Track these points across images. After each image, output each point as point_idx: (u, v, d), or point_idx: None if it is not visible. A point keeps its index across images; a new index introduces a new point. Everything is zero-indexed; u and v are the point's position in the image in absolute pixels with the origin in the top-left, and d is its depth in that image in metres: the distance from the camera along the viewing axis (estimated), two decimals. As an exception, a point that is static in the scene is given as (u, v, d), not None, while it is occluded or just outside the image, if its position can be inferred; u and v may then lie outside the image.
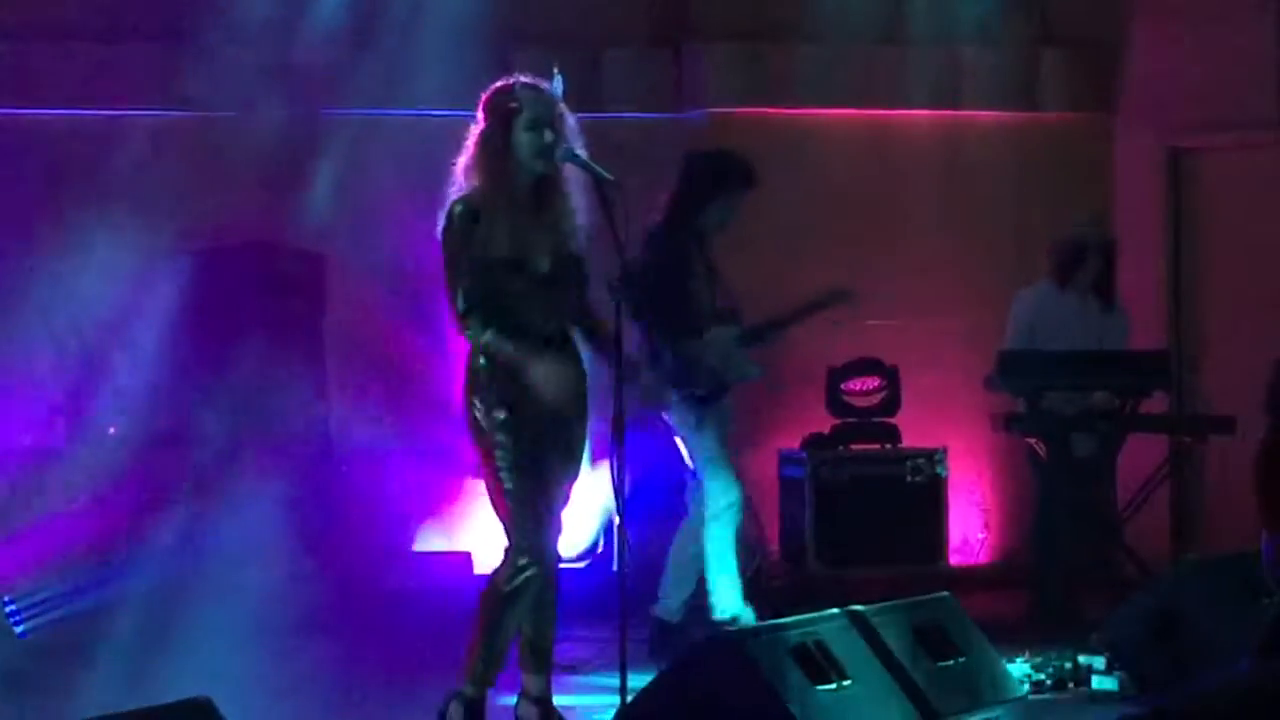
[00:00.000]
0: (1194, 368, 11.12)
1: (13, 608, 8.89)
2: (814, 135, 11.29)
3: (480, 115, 6.99)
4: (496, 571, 6.94)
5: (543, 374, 6.79)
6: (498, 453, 6.85)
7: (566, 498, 7.04)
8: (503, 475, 6.86)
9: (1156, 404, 10.26)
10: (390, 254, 10.26)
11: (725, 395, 9.00)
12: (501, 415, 6.82)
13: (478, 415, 6.86)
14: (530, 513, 6.86)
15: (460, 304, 6.84)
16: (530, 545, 6.86)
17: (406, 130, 10.52)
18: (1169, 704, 1.56)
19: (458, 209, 6.87)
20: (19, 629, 8.88)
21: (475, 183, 6.91)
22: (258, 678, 8.80)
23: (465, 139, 7.00)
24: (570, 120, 7.01)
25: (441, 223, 6.91)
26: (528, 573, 6.86)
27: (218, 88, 10.87)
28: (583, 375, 7.03)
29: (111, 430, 9.79)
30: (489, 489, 6.93)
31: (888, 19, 11.51)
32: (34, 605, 8.97)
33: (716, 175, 8.98)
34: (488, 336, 6.81)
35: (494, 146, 6.91)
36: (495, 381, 6.84)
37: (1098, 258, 9.98)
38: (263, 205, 10.72)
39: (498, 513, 6.92)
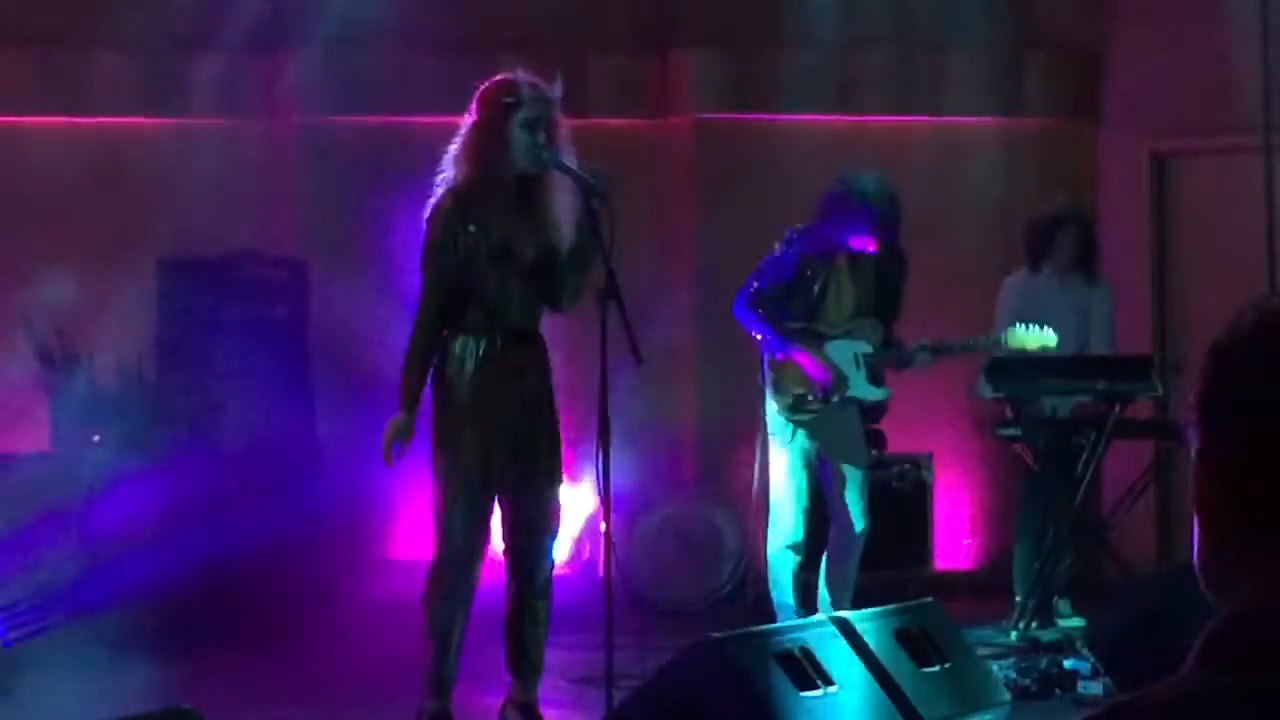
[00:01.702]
0: (1179, 372, 11.12)
1: (-1, 617, 8.87)
2: (798, 141, 11.29)
3: (476, 105, 6.98)
4: (426, 580, 6.95)
5: (478, 384, 6.82)
6: (446, 459, 6.85)
7: (550, 499, 7.03)
8: (445, 479, 6.86)
9: (1141, 409, 10.26)
10: (373, 260, 10.25)
11: (831, 410, 8.77)
12: (459, 427, 6.82)
13: (439, 421, 6.87)
14: (461, 521, 6.85)
15: (424, 292, 6.89)
16: (454, 551, 6.86)
17: (391, 136, 10.52)
18: (1120, 705, 1.58)
19: (445, 203, 6.87)
20: (3, 638, 8.86)
21: (465, 172, 6.91)
22: (242, 686, 8.79)
23: (454, 135, 7.01)
24: (563, 127, 7.02)
25: (428, 212, 6.93)
26: (450, 578, 6.87)
27: (199, 95, 10.87)
28: (547, 372, 7.05)
29: (96, 438, 9.77)
30: (433, 487, 6.93)
31: (872, 25, 11.51)
32: (18, 614, 8.95)
33: (871, 211, 8.80)
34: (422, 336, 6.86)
35: (487, 138, 6.91)
36: (462, 389, 6.84)
37: (1068, 233, 9.99)
38: (245, 213, 10.71)
39: (434, 516, 6.93)
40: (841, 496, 8.78)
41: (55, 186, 10.40)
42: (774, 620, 8.51)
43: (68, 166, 10.49)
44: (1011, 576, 10.09)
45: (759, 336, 8.72)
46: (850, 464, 8.83)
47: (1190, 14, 11.44)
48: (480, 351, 6.86)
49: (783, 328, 8.69)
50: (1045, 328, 9.11)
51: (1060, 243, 9.98)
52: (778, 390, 8.72)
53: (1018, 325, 9.14)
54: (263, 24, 10.88)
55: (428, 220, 6.92)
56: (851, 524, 8.78)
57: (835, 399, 8.76)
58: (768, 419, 8.81)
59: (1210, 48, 11.31)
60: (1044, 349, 9.11)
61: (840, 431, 8.83)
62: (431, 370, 6.93)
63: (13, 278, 10.12)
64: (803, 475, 8.74)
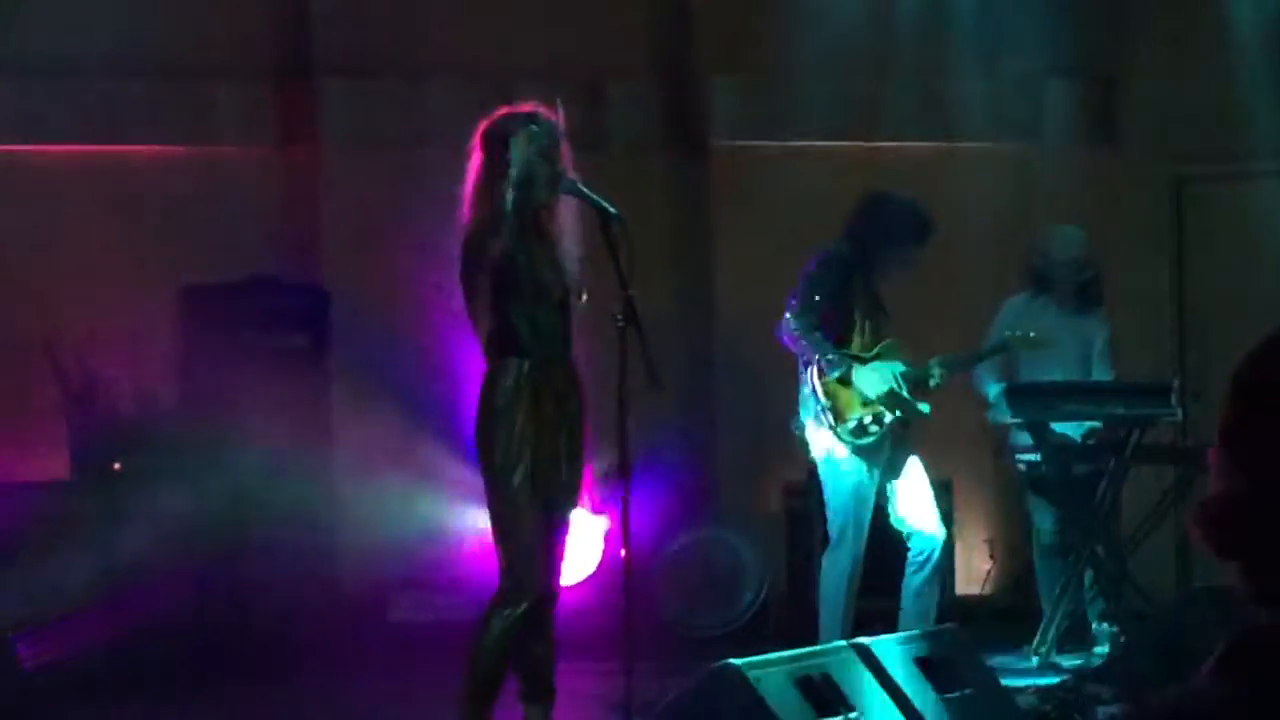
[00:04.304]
0: (1199, 397, 11.10)
1: (19, 645, 8.88)
2: (817, 169, 11.29)
3: (480, 143, 6.96)
4: (492, 607, 6.93)
5: (522, 410, 6.82)
6: (508, 487, 6.84)
7: (568, 525, 7.04)
8: (508, 509, 6.86)
9: (1161, 434, 10.25)
10: (393, 288, 10.27)
11: (889, 431, 8.79)
12: (519, 451, 6.81)
13: (495, 448, 6.85)
14: (532, 548, 6.86)
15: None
16: (528, 580, 6.86)
17: (411, 164, 10.54)
18: (1137, 713, 1.62)
19: (477, 231, 6.85)
20: (25, 666, 8.87)
21: (483, 210, 6.89)
22: (261, 717, 8.81)
23: (466, 168, 7.00)
24: (568, 152, 7.01)
25: (461, 248, 6.89)
26: (522, 607, 6.86)
27: (220, 123, 10.90)
28: (580, 397, 7.06)
29: (116, 466, 9.79)
30: (493, 520, 6.92)
31: (891, 53, 11.51)
32: (39, 642, 8.97)
33: (891, 225, 8.87)
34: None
35: (500, 174, 6.89)
36: (518, 414, 6.84)
37: (1063, 270, 9.97)
38: (266, 241, 10.74)
39: (498, 544, 6.92)
40: (917, 510, 8.80)
41: (77, 214, 10.42)
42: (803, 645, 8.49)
43: (89, 194, 10.52)
44: (1032, 602, 10.07)
45: (810, 359, 8.69)
46: (918, 477, 8.84)
47: (1209, 40, 11.44)
48: (523, 378, 6.86)
49: (834, 351, 8.68)
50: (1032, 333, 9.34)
51: (1050, 278, 9.99)
52: (837, 418, 8.68)
53: (1017, 331, 9.34)
54: (283, 54, 10.91)
55: (464, 250, 6.88)
56: (933, 533, 8.81)
57: (891, 420, 8.76)
58: (822, 446, 8.76)
59: (1230, 74, 11.32)
60: (1043, 346, 9.38)
61: (901, 450, 8.85)
62: (479, 402, 6.94)
63: (34, 305, 10.14)
64: (864, 500, 8.73)
